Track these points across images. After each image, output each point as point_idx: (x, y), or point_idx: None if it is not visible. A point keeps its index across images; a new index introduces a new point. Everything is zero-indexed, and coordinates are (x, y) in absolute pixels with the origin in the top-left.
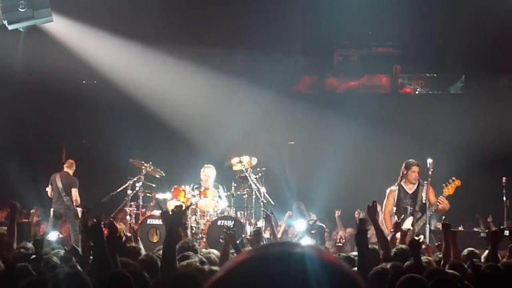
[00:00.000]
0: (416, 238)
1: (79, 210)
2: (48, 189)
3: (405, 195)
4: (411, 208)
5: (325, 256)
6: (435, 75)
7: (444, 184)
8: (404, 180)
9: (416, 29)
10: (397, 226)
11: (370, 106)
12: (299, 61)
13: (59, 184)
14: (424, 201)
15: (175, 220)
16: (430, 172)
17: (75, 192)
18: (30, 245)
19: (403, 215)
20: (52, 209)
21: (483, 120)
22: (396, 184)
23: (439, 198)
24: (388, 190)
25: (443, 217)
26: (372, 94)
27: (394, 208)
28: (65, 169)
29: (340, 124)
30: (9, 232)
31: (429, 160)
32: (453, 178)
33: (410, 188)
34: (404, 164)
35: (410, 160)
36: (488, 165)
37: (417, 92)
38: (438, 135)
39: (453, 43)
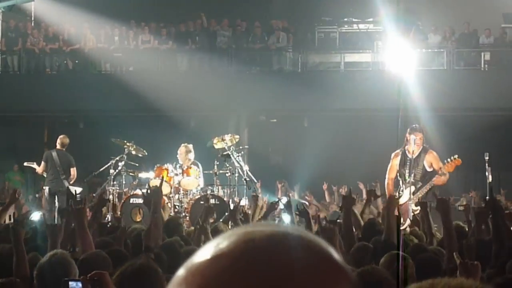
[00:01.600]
0: (415, 208)
1: (78, 189)
2: (39, 167)
3: (405, 161)
4: (412, 176)
5: (305, 236)
6: (424, 50)
7: (445, 161)
8: (407, 145)
9: (396, 6)
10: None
11: (352, 82)
12: (281, 38)
13: (58, 163)
14: (428, 169)
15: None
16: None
17: (74, 171)
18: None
19: (400, 185)
20: (47, 187)
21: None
22: (401, 148)
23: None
24: (392, 154)
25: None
26: (353, 71)
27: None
28: (59, 147)
29: (322, 101)
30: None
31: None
32: (455, 156)
33: (412, 154)
34: (408, 130)
35: (414, 125)
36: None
37: None
38: (426, 111)
39: (437, 20)
